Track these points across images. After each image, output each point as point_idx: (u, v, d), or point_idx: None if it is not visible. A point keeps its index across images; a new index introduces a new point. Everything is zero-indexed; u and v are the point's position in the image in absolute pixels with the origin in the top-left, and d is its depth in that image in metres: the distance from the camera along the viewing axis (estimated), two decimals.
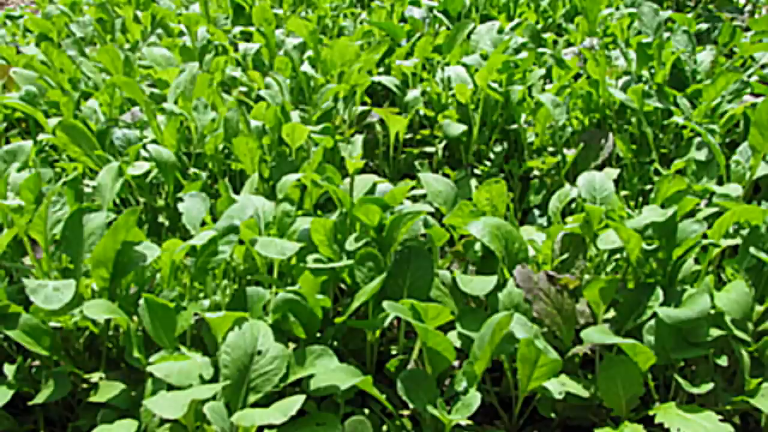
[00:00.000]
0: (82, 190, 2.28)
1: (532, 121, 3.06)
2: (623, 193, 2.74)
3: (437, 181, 2.34)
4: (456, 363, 1.98)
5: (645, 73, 3.14)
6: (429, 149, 3.19)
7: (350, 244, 2.01)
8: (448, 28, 4.07)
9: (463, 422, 1.82)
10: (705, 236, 1.99)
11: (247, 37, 4.12)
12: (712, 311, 1.83)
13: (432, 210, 2.03)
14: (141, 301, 1.74)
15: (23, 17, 4.69)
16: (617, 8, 4.29)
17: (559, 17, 4.45)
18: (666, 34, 3.47)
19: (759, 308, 1.89)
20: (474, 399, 1.67)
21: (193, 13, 4.08)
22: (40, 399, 1.72)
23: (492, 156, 3.03)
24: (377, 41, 3.84)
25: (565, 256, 2.11)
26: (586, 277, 2.07)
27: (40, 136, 2.72)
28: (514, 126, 3.07)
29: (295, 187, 2.36)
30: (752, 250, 1.93)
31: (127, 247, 1.86)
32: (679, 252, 1.95)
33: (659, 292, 1.87)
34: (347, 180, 2.33)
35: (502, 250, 1.96)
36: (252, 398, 1.59)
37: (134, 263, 1.86)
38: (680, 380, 1.79)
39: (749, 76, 3.23)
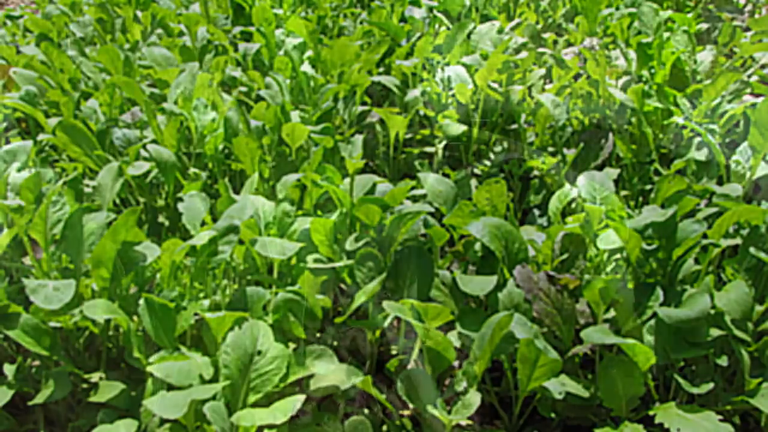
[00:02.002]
0: (82, 190, 2.28)
1: (532, 121, 3.06)
2: (623, 193, 2.74)
3: (437, 181, 2.34)
4: (456, 363, 1.98)
5: (645, 73, 3.14)
6: (429, 149, 3.19)
7: (350, 244, 2.01)
8: (448, 28, 4.07)
9: (463, 422, 1.82)
10: (705, 236, 1.99)
11: (247, 37, 4.13)
12: (712, 311, 1.83)
13: (432, 210, 2.03)
14: (141, 301, 1.74)
15: (23, 17, 4.69)
16: (617, 8, 4.29)
17: (559, 17, 4.45)
18: (666, 34, 3.47)
19: (759, 308, 1.89)
20: (474, 399, 1.67)
21: (193, 13, 4.08)
22: (40, 399, 1.72)
23: (492, 156, 3.03)
24: (377, 41, 3.84)
25: (565, 256, 2.11)
26: (586, 277, 2.07)
27: (40, 136, 2.72)
28: (514, 126, 3.08)
29: (295, 187, 2.36)
30: (752, 250, 1.93)
31: (127, 247, 1.86)
32: (679, 252, 1.95)
33: (659, 292, 1.87)
34: (347, 180, 2.33)
35: (502, 250, 1.96)
36: (252, 398, 1.60)
37: (134, 263, 1.86)
38: (680, 380, 1.79)
39: (749, 76, 3.23)
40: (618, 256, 2.12)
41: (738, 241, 2.04)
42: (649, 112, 2.95)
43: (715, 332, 1.81)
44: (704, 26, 4.02)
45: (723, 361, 1.83)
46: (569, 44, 3.96)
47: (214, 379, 1.62)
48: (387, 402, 1.73)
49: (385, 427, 1.82)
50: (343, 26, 4.40)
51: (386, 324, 1.90)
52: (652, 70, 3.14)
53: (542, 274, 1.94)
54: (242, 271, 2.14)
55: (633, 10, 3.94)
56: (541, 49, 3.55)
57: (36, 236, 2.00)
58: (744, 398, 1.74)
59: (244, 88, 3.35)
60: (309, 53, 3.56)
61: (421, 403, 1.69)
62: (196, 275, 1.91)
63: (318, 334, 1.94)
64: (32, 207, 2.03)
